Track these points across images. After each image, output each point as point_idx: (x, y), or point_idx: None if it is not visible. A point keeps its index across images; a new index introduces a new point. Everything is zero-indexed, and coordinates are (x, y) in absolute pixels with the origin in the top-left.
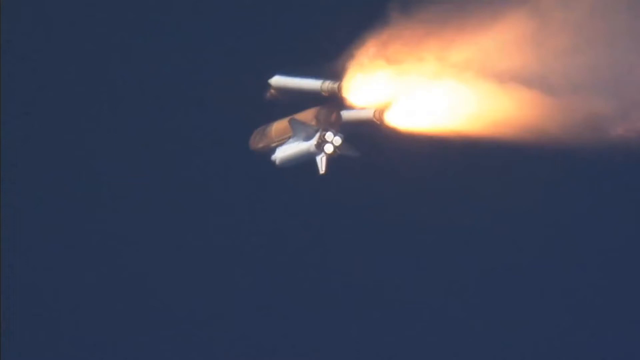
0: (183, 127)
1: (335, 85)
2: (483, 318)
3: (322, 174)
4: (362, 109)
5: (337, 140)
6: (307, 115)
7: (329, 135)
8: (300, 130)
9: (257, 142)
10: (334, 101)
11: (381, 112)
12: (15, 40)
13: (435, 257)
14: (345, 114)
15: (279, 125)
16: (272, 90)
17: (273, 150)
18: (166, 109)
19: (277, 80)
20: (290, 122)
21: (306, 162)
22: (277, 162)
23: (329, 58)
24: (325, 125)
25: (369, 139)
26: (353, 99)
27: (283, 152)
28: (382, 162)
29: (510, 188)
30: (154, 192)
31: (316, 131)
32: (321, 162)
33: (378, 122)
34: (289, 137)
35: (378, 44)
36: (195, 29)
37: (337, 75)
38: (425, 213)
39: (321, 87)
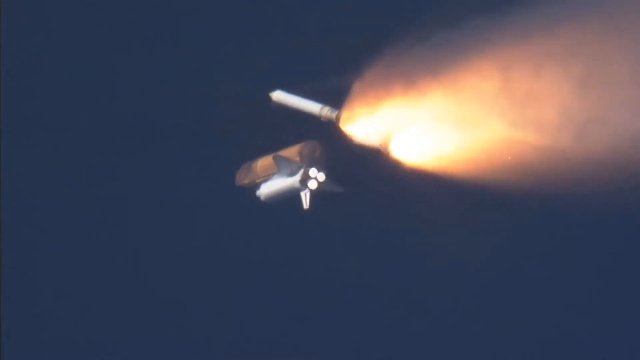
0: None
1: (334, 115)
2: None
3: (306, 209)
4: (360, 143)
5: (321, 176)
6: (292, 152)
7: (312, 171)
8: (284, 167)
9: (242, 178)
10: (332, 128)
11: (387, 143)
12: (15, 40)
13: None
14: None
15: (264, 162)
16: (273, 104)
17: (258, 186)
18: (169, 112)
19: (278, 96)
20: (274, 158)
21: (290, 197)
22: (262, 197)
23: (337, 76)
24: (309, 161)
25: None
26: (350, 130)
27: (268, 188)
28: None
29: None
30: (152, 195)
31: (300, 167)
32: (305, 198)
33: (384, 153)
34: (274, 173)
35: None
36: (198, 34)
37: (340, 97)
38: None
39: (320, 112)
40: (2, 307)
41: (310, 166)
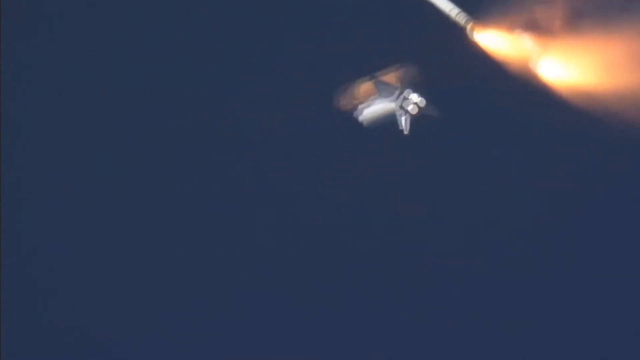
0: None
1: (466, 23)
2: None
3: (406, 134)
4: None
5: (421, 101)
6: (392, 76)
7: (412, 96)
8: (384, 90)
9: (343, 101)
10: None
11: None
12: (15, 40)
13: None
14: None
15: (365, 86)
16: None
17: (360, 110)
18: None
19: None
20: (374, 82)
21: (390, 120)
22: (362, 120)
23: None
24: (409, 85)
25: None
26: (478, 40)
27: (368, 112)
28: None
29: None
30: (159, 192)
31: (400, 91)
32: (405, 122)
33: (469, 34)
34: (374, 97)
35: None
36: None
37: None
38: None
39: (453, 13)
40: (2, 307)
41: (410, 91)
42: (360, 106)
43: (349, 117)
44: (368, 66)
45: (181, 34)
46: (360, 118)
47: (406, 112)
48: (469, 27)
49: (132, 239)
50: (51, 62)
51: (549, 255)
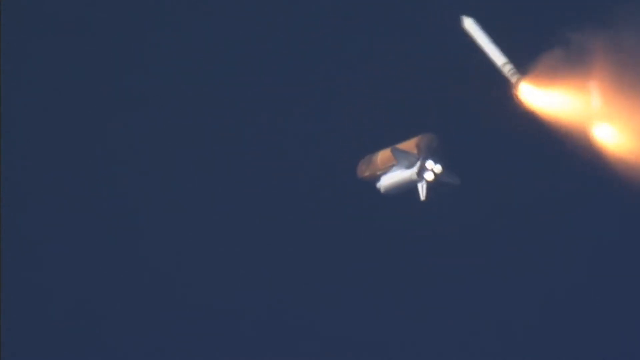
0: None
1: (513, 78)
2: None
3: (423, 200)
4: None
5: (438, 168)
6: (409, 144)
7: (429, 163)
8: (402, 159)
9: (363, 171)
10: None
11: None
12: (15, 40)
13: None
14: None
15: (384, 155)
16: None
17: (378, 178)
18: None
19: (469, 24)
20: (392, 151)
21: (409, 189)
22: (382, 189)
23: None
24: (426, 153)
25: None
26: (523, 98)
27: (387, 180)
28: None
29: None
30: (158, 193)
31: (417, 159)
32: (422, 189)
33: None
34: (393, 165)
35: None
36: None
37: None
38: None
39: (503, 66)
40: (2, 307)
41: (427, 158)
42: (379, 174)
43: (369, 185)
44: (389, 135)
45: (181, 34)
46: (379, 186)
47: (423, 179)
48: (515, 81)
49: (132, 239)
50: (51, 62)
51: (549, 255)
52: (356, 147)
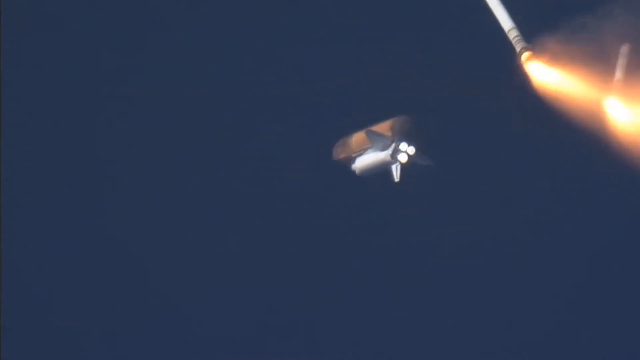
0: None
1: (520, 47)
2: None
3: (397, 182)
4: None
5: (411, 150)
6: (384, 127)
7: (403, 145)
8: (377, 141)
9: (339, 153)
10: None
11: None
12: (15, 40)
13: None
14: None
15: (358, 137)
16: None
17: (354, 160)
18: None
19: None
20: (366, 133)
21: (383, 170)
22: (357, 171)
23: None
24: (400, 135)
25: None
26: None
27: (362, 162)
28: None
29: None
30: (157, 192)
31: (392, 142)
32: (396, 171)
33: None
34: (368, 148)
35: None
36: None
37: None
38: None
39: (509, 31)
40: (2, 307)
41: (401, 140)
42: (354, 156)
43: (344, 167)
44: (363, 118)
45: (181, 34)
46: (354, 168)
47: (397, 161)
48: (523, 55)
49: (131, 239)
50: (51, 62)
51: (549, 255)
52: (331, 130)
